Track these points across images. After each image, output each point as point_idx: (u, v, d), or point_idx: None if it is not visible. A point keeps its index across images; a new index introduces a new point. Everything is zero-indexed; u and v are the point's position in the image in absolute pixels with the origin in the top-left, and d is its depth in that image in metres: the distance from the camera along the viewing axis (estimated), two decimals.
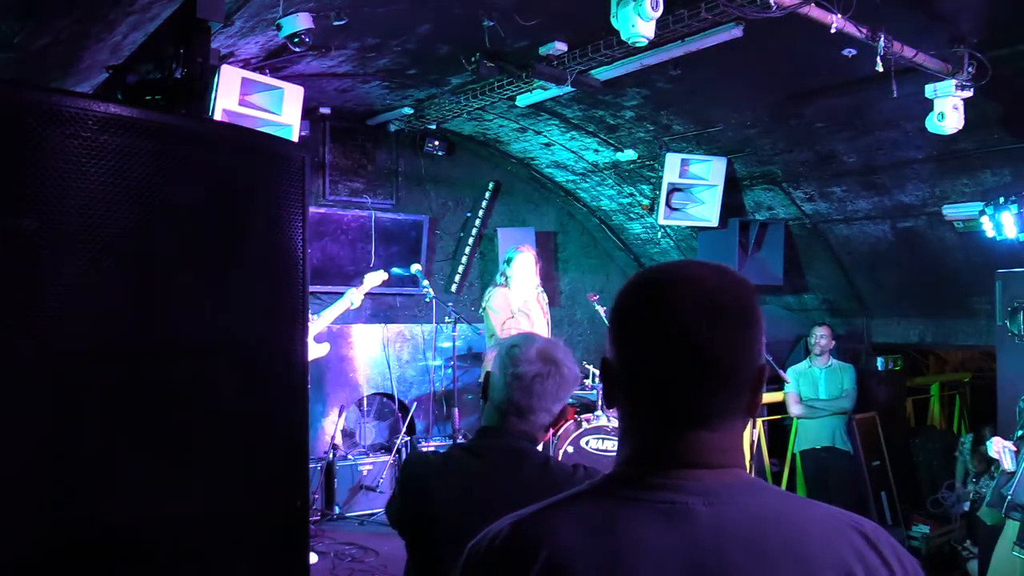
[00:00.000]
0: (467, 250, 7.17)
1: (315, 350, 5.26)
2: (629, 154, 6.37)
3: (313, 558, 4.76)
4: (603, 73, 4.80)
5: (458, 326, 6.07)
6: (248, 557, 2.10)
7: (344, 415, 6.45)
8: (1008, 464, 3.72)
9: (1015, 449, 3.75)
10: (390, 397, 6.77)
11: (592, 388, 5.77)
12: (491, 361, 1.96)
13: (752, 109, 5.35)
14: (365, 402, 6.69)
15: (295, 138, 4.46)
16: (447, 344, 6.56)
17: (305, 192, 2.28)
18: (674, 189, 6.08)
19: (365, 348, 6.66)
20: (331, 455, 6.03)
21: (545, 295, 5.65)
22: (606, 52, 4.31)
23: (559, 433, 5.26)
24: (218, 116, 4.12)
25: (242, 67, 4.44)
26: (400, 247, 6.71)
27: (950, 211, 5.26)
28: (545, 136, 6.51)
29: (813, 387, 5.85)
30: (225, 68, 4.20)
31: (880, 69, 3.77)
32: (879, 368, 6.57)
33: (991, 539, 3.93)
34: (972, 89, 4.07)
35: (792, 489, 5.93)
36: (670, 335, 0.94)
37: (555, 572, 0.89)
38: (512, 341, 1.95)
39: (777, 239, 6.29)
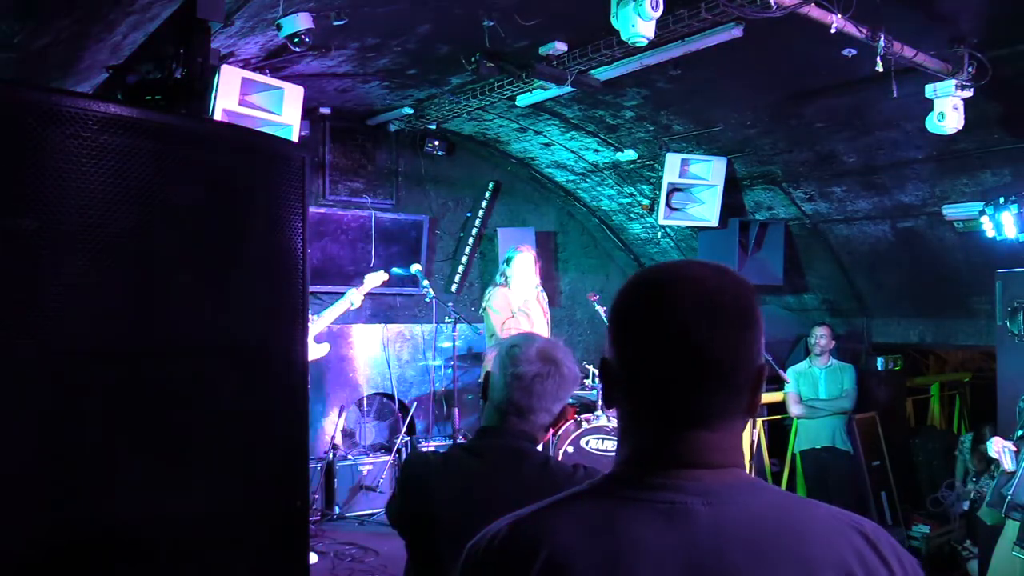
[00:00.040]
0: (467, 250, 7.18)
1: (315, 350, 5.26)
2: (629, 154, 6.37)
3: (313, 558, 4.76)
4: (603, 73, 4.80)
5: (458, 326, 6.07)
6: (248, 557, 2.10)
7: (344, 415, 6.45)
8: (1008, 464, 3.72)
9: (1015, 449, 3.75)
10: (390, 397, 6.77)
11: (592, 388, 5.77)
12: (491, 361, 1.96)
13: (752, 109, 5.35)
14: (365, 402, 6.69)
15: (295, 138, 4.46)
16: (447, 344, 6.56)
17: (305, 192, 2.28)
18: (674, 189, 6.08)
19: (365, 348, 6.66)
20: (331, 455, 6.03)
21: (545, 295, 5.65)
22: (606, 52, 4.31)
23: (559, 433, 5.26)
24: (218, 116, 4.12)
25: (242, 67, 4.44)
26: (400, 247, 6.71)
27: (950, 211, 5.26)
28: (545, 136, 6.51)
29: (813, 387, 5.85)
30: (225, 68, 4.20)
31: (880, 69, 3.77)
32: (879, 368, 6.57)
33: (991, 539, 3.93)
34: (972, 89, 4.07)
35: (792, 489, 5.93)
36: (670, 335, 0.94)
37: (555, 572, 0.89)
38: (512, 341, 1.95)
39: (777, 239, 6.29)
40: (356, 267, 6.36)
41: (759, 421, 5.74)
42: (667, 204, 6.06)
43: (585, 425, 5.38)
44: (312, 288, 5.58)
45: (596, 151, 6.58)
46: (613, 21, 3.37)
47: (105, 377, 1.82)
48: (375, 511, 5.88)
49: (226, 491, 2.04)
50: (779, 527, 0.91)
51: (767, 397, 6.01)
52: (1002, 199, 4.74)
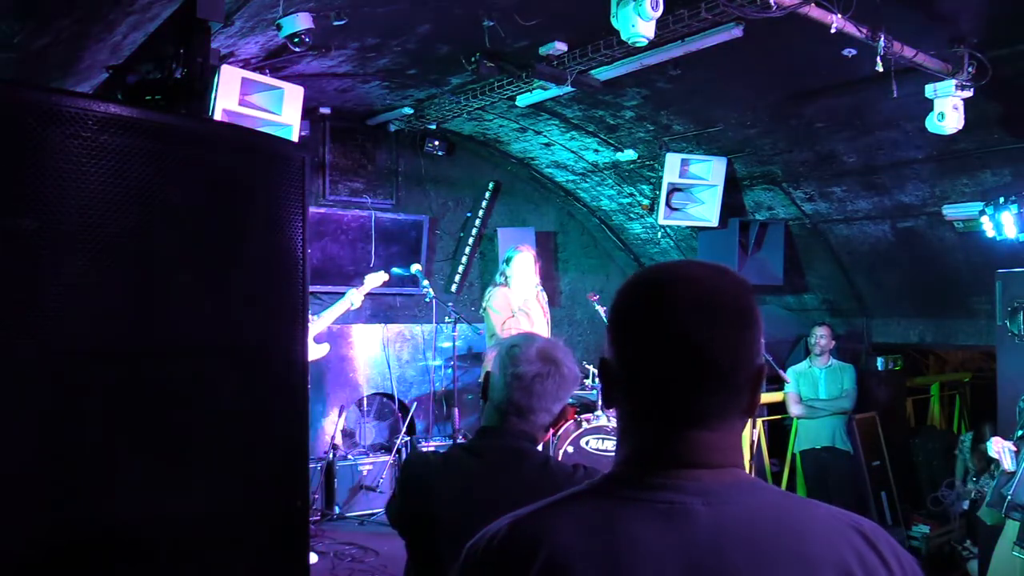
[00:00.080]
0: (467, 250, 7.18)
1: (315, 350, 5.26)
2: (629, 154, 6.37)
3: (313, 558, 4.76)
4: (603, 73, 4.80)
5: (458, 326, 6.07)
6: (248, 557, 2.10)
7: (344, 415, 6.45)
8: (1008, 464, 3.72)
9: (1015, 449, 3.75)
10: (390, 397, 6.77)
11: (592, 388, 5.77)
12: (491, 361, 1.96)
13: (752, 109, 5.35)
14: (365, 402, 6.70)
15: (295, 138, 4.46)
16: (447, 344, 6.56)
17: (305, 192, 2.28)
18: (674, 189, 6.08)
19: (365, 348, 6.66)
20: (331, 455, 6.03)
21: (545, 294, 5.66)
22: (606, 52, 4.30)
23: (559, 433, 5.26)
24: (218, 116, 4.12)
25: (242, 67, 4.44)
26: (400, 247, 6.71)
27: (950, 211, 5.26)
28: (545, 136, 6.51)
29: (813, 387, 5.85)
30: (225, 68, 4.20)
31: (880, 69, 3.77)
32: (879, 368, 6.57)
33: (991, 539, 3.93)
34: (972, 89, 4.07)
35: (792, 489, 5.93)
36: (670, 335, 0.94)
37: (554, 572, 0.89)
38: (512, 341, 1.95)
39: (777, 239, 6.29)
40: (356, 267, 6.36)
41: (759, 421, 5.74)
42: (667, 204, 6.06)
43: (585, 425, 5.38)
44: (312, 288, 5.58)
45: (596, 151, 6.58)
46: (613, 21, 3.37)
47: (105, 377, 1.82)
48: (375, 511, 5.88)
49: (226, 491, 2.04)
50: (778, 527, 0.91)
51: (767, 397, 6.01)
52: (1002, 199, 4.74)
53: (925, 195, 5.40)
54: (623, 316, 1.00)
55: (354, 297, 5.31)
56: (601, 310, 6.05)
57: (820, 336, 5.86)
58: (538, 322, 5.48)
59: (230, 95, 4.23)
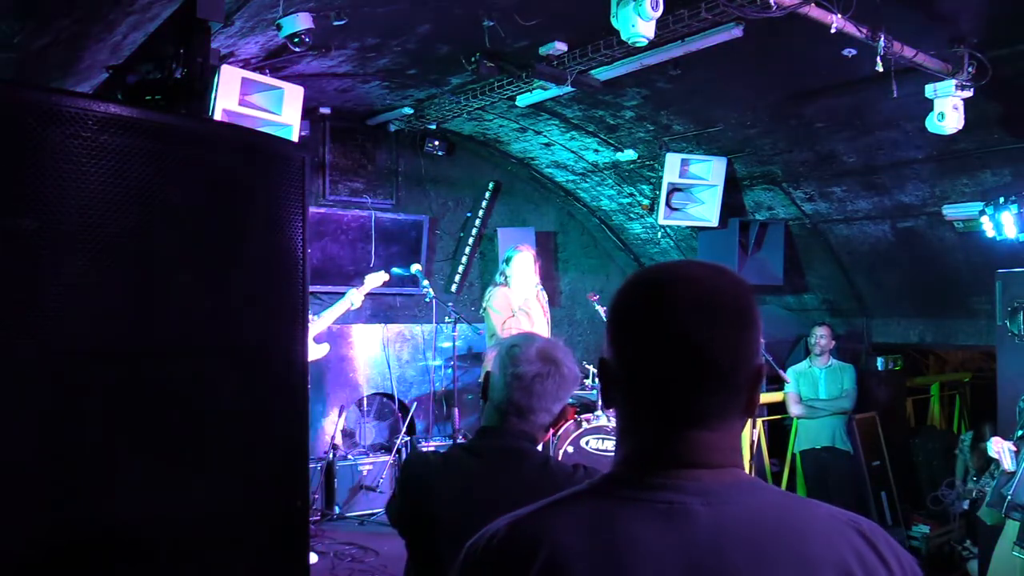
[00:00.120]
0: (467, 250, 7.18)
1: (315, 350, 5.26)
2: (629, 154, 6.37)
3: (313, 558, 4.76)
4: (603, 73, 4.80)
5: (458, 326, 6.07)
6: (248, 557, 2.10)
7: (344, 415, 6.46)
8: (1008, 464, 3.72)
9: (1015, 449, 3.75)
10: (390, 397, 6.77)
11: (592, 388, 5.77)
12: (491, 361, 1.96)
13: (752, 109, 5.35)
14: (365, 402, 6.70)
15: (295, 138, 4.46)
16: (447, 344, 6.56)
17: (305, 192, 2.28)
18: (674, 189, 6.09)
19: (365, 348, 6.66)
20: (331, 455, 6.03)
21: (545, 293, 5.66)
22: (606, 52, 4.31)
23: (559, 433, 5.26)
24: (218, 116, 4.13)
25: (242, 67, 4.44)
26: (400, 247, 6.71)
27: (950, 211, 5.26)
28: (545, 136, 6.51)
29: (813, 387, 5.85)
30: (225, 68, 4.20)
31: (880, 69, 3.77)
32: (879, 368, 6.57)
33: (991, 539, 3.93)
34: (972, 89, 4.07)
35: (792, 489, 5.93)
36: (669, 335, 0.94)
37: (554, 572, 0.89)
38: (512, 341, 1.95)
39: (777, 239, 6.29)
40: (356, 267, 6.36)
41: (759, 421, 5.75)
42: (667, 204, 6.06)
43: (585, 425, 5.38)
44: (312, 288, 5.58)
45: (596, 151, 6.58)
46: (613, 21, 3.37)
47: (105, 377, 1.82)
48: (375, 511, 5.88)
49: (226, 491, 2.03)
50: (778, 527, 0.91)
51: (767, 397, 6.01)
52: (1002, 199, 4.74)
53: (925, 195, 5.40)
54: (623, 316, 1.00)
55: (354, 297, 5.31)
56: (601, 310, 6.05)
57: (820, 336, 5.86)
58: (538, 322, 5.48)
59: (230, 95, 4.23)
